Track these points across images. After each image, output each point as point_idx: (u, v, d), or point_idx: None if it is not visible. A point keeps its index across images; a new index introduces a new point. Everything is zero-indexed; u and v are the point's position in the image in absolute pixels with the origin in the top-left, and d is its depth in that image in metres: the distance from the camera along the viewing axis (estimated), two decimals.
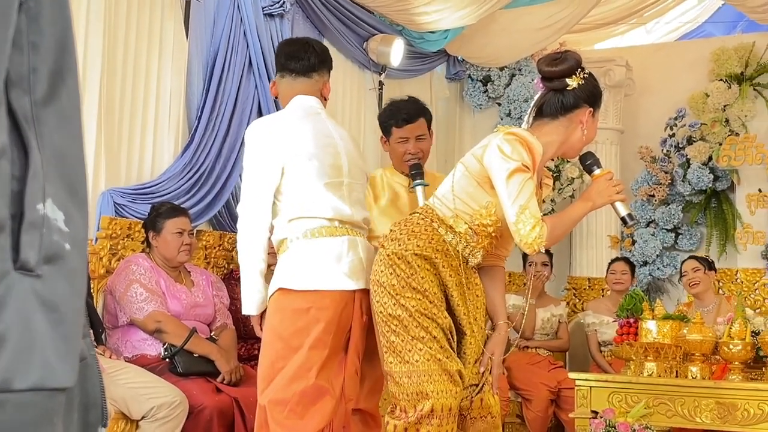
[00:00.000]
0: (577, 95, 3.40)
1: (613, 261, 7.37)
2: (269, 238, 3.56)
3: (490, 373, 3.51)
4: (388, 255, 3.38)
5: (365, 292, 3.53)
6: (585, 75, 3.41)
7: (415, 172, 4.40)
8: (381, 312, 3.37)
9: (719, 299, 6.44)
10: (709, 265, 6.61)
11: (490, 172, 3.31)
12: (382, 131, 4.62)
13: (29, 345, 0.88)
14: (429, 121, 4.60)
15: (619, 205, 3.45)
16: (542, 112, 3.45)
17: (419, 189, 4.32)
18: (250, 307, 3.54)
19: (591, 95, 3.43)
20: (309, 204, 3.51)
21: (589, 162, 3.51)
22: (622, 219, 3.47)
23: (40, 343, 0.89)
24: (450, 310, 3.40)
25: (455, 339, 3.41)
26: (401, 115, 4.51)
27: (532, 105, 3.49)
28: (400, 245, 3.37)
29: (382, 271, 3.38)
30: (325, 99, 3.77)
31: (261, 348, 3.54)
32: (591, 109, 3.42)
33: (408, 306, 3.30)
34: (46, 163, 0.90)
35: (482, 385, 3.48)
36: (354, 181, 3.68)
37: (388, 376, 3.38)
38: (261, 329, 3.58)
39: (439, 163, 8.10)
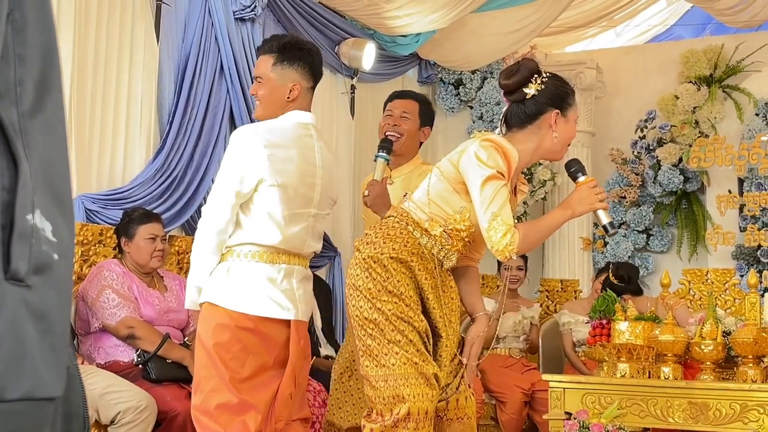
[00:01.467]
0: (538, 101, 3.42)
1: (607, 271, 7.30)
2: None
3: (466, 366, 3.53)
4: (363, 259, 3.38)
5: (296, 321, 3.52)
6: (544, 79, 3.42)
7: (382, 146, 4.40)
8: (357, 316, 3.37)
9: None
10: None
11: (466, 178, 3.32)
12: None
13: (20, 355, 0.88)
14: (422, 111, 4.62)
15: (601, 213, 3.47)
16: (509, 123, 3.48)
17: (379, 161, 4.32)
18: (192, 303, 3.56)
19: (554, 97, 3.44)
20: (263, 232, 3.48)
21: (573, 169, 3.52)
22: (604, 227, 3.49)
23: (30, 352, 0.89)
24: (425, 312, 3.41)
25: (431, 342, 3.42)
26: (397, 92, 4.65)
27: (501, 117, 3.52)
28: (375, 249, 3.37)
29: (357, 275, 3.38)
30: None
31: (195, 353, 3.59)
32: (557, 110, 3.43)
33: (384, 310, 3.31)
34: (34, 174, 0.91)
35: (458, 385, 3.49)
36: (321, 212, 3.67)
37: (365, 379, 3.39)
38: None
39: None
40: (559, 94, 3.46)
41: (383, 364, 3.30)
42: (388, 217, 3.53)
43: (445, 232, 3.40)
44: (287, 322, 3.48)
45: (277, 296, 3.47)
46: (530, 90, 3.40)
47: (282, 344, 3.49)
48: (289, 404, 3.51)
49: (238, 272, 3.47)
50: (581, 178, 3.48)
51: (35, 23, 0.92)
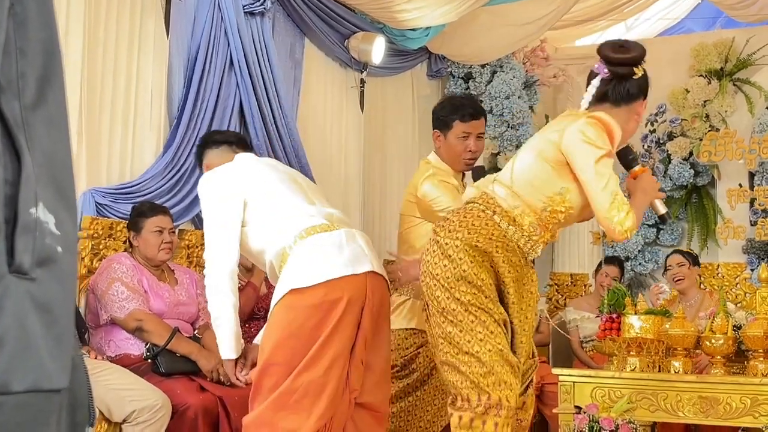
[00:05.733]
0: (639, 85, 3.39)
1: (606, 262, 7.30)
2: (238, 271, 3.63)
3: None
4: (441, 247, 3.30)
5: (374, 275, 3.45)
6: (644, 67, 3.41)
7: (478, 175, 4.30)
8: (435, 304, 3.29)
9: (702, 294, 6.44)
10: (694, 260, 6.55)
11: (572, 157, 3.24)
12: (438, 125, 4.50)
13: (25, 347, 0.89)
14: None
15: (658, 202, 3.45)
16: (606, 98, 3.39)
17: None
18: (229, 350, 3.54)
19: (646, 87, 3.43)
20: (290, 212, 3.49)
21: (631, 157, 3.49)
22: (661, 216, 3.46)
23: (35, 345, 0.90)
24: (503, 304, 3.33)
25: (510, 333, 3.34)
26: (467, 110, 4.44)
27: (591, 89, 3.42)
28: (456, 237, 3.28)
29: (435, 263, 3.30)
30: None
31: (270, 349, 3.40)
32: (644, 100, 3.43)
33: (463, 300, 3.23)
34: (37, 167, 0.92)
35: (527, 387, 3.47)
36: (315, 193, 3.73)
37: (444, 365, 3.30)
38: (236, 377, 3.64)
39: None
40: (647, 87, 3.45)
41: (467, 351, 3.22)
42: (473, 203, 3.41)
43: (538, 220, 3.32)
44: (364, 279, 3.41)
45: (348, 257, 3.41)
46: (638, 71, 3.37)
47: (361, 303, 3.41)
48: (361, 371, 3.42)
49: (303, 251, 3.42)
50: (637, 167, 3.45)
51: (36, 18, 0.93)
